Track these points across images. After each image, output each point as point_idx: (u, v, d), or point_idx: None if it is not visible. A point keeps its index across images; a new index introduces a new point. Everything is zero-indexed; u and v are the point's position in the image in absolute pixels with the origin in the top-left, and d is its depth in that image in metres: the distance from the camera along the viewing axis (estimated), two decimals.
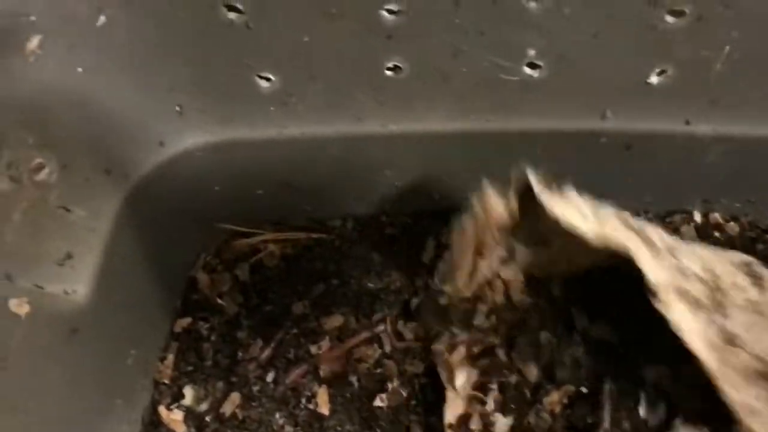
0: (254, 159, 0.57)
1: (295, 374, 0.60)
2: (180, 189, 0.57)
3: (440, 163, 0.59)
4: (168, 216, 0.58)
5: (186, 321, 0.63)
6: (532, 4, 0.47)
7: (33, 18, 0.45)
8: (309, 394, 0.59)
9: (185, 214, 0.60)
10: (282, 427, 0.58)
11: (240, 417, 0.59)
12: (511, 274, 0.55)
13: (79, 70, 0.48)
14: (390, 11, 0.48)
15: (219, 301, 0.64)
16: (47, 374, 0.46)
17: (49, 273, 0.47)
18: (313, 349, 0.62)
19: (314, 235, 0.66)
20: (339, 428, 0.58)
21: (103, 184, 0.51)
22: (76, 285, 0.49)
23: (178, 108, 0.54)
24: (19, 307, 0.43)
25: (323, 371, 0.61)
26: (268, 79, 0.53)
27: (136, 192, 0.53)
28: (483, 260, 0.53)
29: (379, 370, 0.60)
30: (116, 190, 0.52)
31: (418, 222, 0.66)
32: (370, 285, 0.64)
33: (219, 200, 0.61)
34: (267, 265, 0.66)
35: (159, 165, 0.54)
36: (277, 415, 0.59)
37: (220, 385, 0.61)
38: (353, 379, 0.60)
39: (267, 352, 0.62)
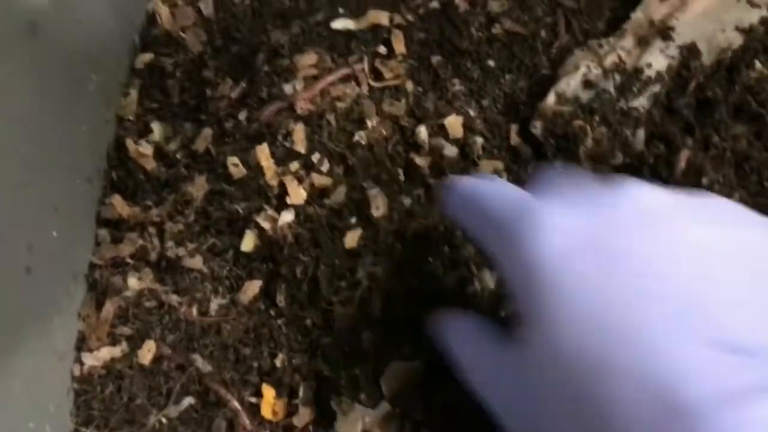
0: None
1: (269, 111, 0.57)
2: None
3: None
4: None
5: (147, 56, 0.58)
6: None
7: None
8: (285, 131, 0.57)
9: None
10: None
11: (213, 153, 0.56)
12: None
13: None
14: None
15: (182, 34, 0.59)
16: (11, 68, 0.41)
17: None
18: (287, 88, 0.58)
19: None
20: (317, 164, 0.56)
21: None
22: None
23: None
24: None
25: (299, 109, 0.58)
26: None
27: None
28: None
29: (357, 109, 0.58)
30: None
31: None
32: (349, 24, 0.60)
33: None
34: (233, 0, 0.60)
35: None
36: (251, 152, 0.56)
37: (188, 124, 0.57)
38: (330, 117, 0.58)
39: (237, 91, 0.58)
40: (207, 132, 0.56)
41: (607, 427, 0.28)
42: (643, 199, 0.32)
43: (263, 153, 0.53)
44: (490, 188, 0.38)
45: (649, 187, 0.33)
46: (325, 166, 0.54)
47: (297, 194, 0.53)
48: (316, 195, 0.53)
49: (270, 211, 0.53)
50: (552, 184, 0.36)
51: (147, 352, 0.50)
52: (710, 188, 0.51)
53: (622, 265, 0.30)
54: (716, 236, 0.31)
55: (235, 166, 0.54)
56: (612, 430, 0.27)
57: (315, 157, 0.54)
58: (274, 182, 0.53)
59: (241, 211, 0.54)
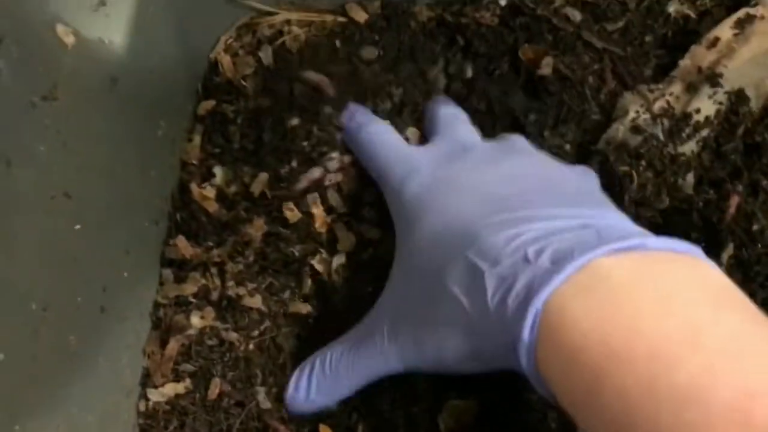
0: None
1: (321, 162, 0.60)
2: None
3: None
4: None
5: (210, 104, 0.61)
6: None
7: None
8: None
9: None
10: None
11: (269, 197, 0.58)
12: None
13: None
14: None
15: (243, 82, 0.62)
16: (92, 120, 0.44)
17: (84, 17, 0.45)
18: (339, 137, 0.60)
19: (341, 19, 0.63)
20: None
21: None
22: (112, 34, 0.46)
23: None
24: (66, 36, 0.40)
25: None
26: None
27: None
28: None
29: None
30: None
31: None
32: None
33: None
34: (291, 49, 0.63)
35: None
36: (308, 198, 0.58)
37: (247, 168, 0.60)
38: None
39: (293, 138, 0.60)
40: (263, 176, 0.58)
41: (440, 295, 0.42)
42: (477, 146, 0.52)
43: (314, 201, 0.56)
44: (382, 137, 0.54)
45: (473, 137, 0.54)
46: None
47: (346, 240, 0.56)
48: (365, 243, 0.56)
49: (324, 254, 0.56)
50: (436, 126, 0.55)
51: (214, 389, 0.52)
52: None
53: (451, 191, 0.46)
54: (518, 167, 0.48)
55: (290, 211, 0.56)
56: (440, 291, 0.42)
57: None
58: (323, 229, 0.56)
59: (296, 253, 0.56)
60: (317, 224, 0.57)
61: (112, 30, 0.46)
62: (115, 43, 0.46)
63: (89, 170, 0.44)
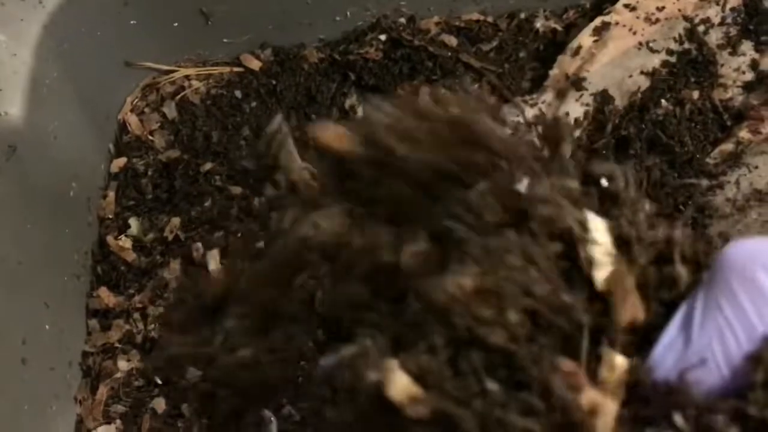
0: None
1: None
2: (97, 22, 0.59)
3: None
4: (90, 51, 0.59)
5: (122, 161, 0.65)
6: None
7: None
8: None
9: (107, 51, 0.61)
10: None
11: (182, 239, 0.62)
12: None
13: None
14: None
15: (150, 137, 0.66)
16: None
17: None
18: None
19: (237, 69, 0.68)
20: None
21: (18, 10, 0.52)
22: (8, 107, 0.51)
23: None
24: None
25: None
26: None
27: (53, 19, 0.54)
28: None
29: None
30: (32, 15, 0.53)
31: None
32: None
33: (137, 36, 0.62)
34: (193, 102, 0.68)
35: None
36: (215, 234, 0.62)
37: (162, 216, 0.64)
38: None
39: (201, 181, 0.65)
40: (176, 221, 0.62)
41: None
42: None
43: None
44: None
45: None
46: None
47: None
48: None
49: None
50: None
51: (144, 426, 0.55)
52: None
53: None
54: None
55: (196, 251, 0.60)
56: None
57: None
58: None
59: None
60: None
61: (7, 102, 0.50)
62: (10, 114, 0.50)
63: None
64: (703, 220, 0.56)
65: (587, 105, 0.63)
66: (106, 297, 0.60)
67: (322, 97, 0.68)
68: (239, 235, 0.61)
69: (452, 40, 0.68)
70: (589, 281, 0.20)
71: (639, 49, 0.64)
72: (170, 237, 0.62)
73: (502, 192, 0.20)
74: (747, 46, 0.64)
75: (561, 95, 0.64)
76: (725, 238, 0.54)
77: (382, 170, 0.21)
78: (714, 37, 0.64)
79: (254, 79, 0.68)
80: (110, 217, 0.63)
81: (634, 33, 0.65)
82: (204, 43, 0.66)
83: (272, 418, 0.39)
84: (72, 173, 0.59)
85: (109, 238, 0.62)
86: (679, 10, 0.65)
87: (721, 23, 0.64)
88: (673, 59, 0.63)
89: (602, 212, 0.21)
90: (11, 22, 0.52)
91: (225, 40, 0.67)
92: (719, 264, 0.22)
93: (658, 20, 0.65)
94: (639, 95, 0.62)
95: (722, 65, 0.63)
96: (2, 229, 0.49)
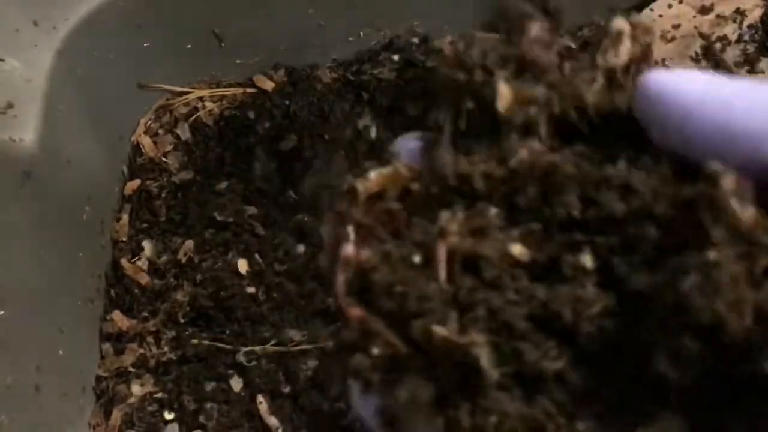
0: (178, 7, 0.59)
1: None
2: (110, 45, 0.59)
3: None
4: (104, 75, 0.59)
5: (135, 183, 0.65)
6: None
7: None
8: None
9: (120, 73, 0.61)
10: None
11: (196, 261, 0.62)
12: None
13: None
14: None
15: (164, 159, 0.66)
16: (10, 213, 0.48)
17: None
18: None
19: (250, 90, 0.68)
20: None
21: (33, 35, 0.52)
22: (22, 133, 0.51)
23: None
24: None
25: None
26: None
27: (66, 45, 0.54)
28: None
29: None
30: (47, 41, 0.53)
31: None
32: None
33: (151, 57, 0.62)
34: (206, 123, 0.68)
35: (85, 17, 0.55)
36: (230, 254, 0.62)
37: (176, 238, 0.64)
38: None
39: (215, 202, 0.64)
40: (189, 243, 0.62)
41: None
42: None
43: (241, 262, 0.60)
44: None
45: None
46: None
47: None
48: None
49: None
50: None
51: None
52: None
53: None
54: None
55: None
56: None
57: None
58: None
59: None
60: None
61: (21, 129, 0.50)
62: (25, 140, 0.50)
63: (10, 258, 0.48)
64: None
65: None
66: (120, 320, 0.60)
67: (335, 117, 0.68)
68: None
69: None
70: None
71: None
72: (184, 260, 0.61)
73: None
74: (765, 64, 0.63)
75: None
76: None
77: None
78: (731, 55, 0.63)
79: (267, 100, 0.68)
80: (124, 239, 0.63)
81: None
82: (217, 64, 0.65)
83: None
84: (85, 196, 0.59)
85: (123, 261, 0.62)
86: (696, 28, 0.65)
87: (738, 40, 0.64)
88: None
89: None
90: (25, 48, 0.52)
91: (238, 61, 0.67)
92: None
93: (674, 38, 0.64)
94: None
95: None
96: (17, 256, 0.49)
